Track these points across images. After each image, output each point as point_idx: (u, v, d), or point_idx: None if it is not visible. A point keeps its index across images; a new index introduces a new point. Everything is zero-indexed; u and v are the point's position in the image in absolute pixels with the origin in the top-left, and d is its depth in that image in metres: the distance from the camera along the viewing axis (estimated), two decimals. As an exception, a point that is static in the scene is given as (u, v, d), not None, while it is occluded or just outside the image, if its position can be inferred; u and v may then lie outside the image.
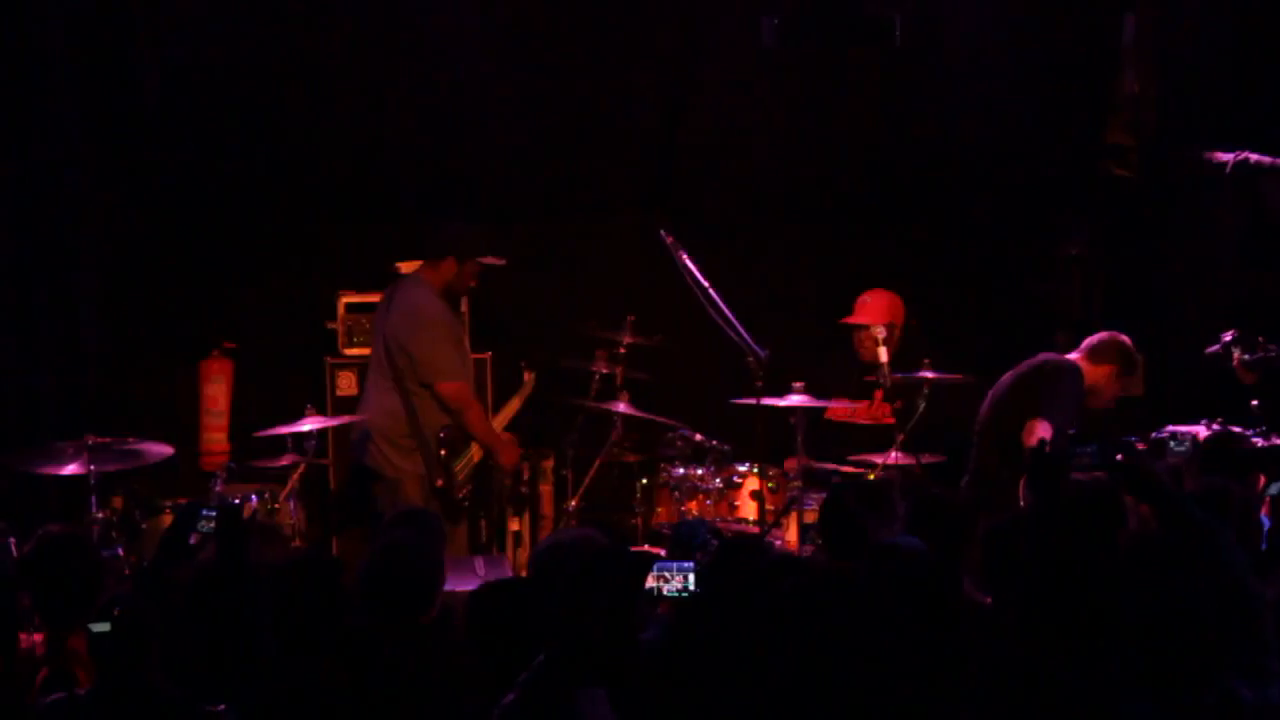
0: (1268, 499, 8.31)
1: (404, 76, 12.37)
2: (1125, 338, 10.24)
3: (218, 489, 10.32)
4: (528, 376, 11.79)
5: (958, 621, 6.16)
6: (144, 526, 10.23)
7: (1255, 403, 10.09)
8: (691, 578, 6.38)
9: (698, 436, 11.07)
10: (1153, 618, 5.60)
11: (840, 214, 12.81)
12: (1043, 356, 10.22)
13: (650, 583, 6.29)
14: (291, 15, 12.12)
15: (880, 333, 10.70)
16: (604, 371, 11.19)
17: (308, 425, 10.42)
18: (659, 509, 10.96)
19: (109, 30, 11.97)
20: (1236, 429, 9.65)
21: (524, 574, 9.34)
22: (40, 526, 7.30)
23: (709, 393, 11.14)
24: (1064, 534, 6.22)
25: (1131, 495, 6.89)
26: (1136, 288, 12.48)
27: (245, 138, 12.36)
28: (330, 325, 12.22)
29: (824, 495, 8.16)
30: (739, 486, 10.85)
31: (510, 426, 11.22)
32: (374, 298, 11.32)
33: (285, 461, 10.54)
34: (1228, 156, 11.66)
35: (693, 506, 10.79)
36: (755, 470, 10.76)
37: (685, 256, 10.24)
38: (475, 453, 10.66)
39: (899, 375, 10.63)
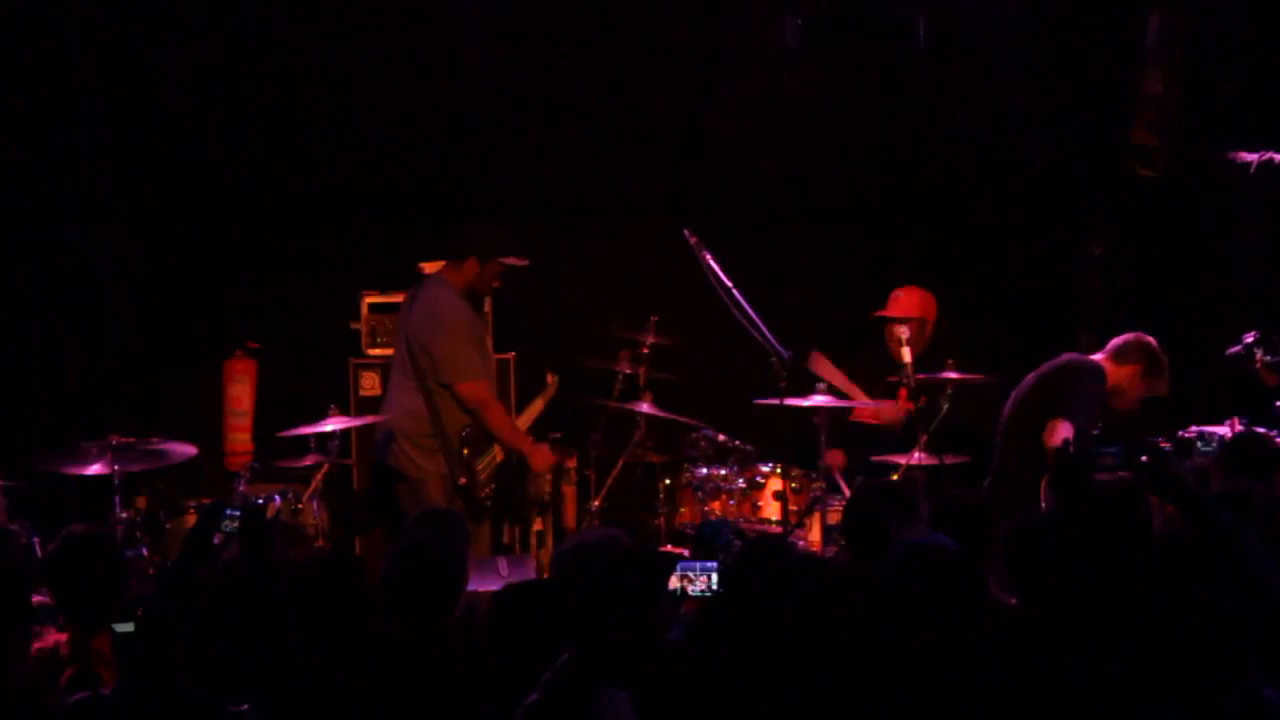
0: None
1: (428, 77, 12.37)
2: (1151, 339, 10.23)
3: (241, 489, 10.33)
4: (550, 378, 11.82)
5: (984, 621, 6.15)
6: (168, 526, 10.26)
7: (1279, 403, 10.08)
8: (715, 578, 6.38)
9: (721, 437, 11.06)
10: (1177, 618, 5.58)
11: (863, 214, 12.81)
12: (1066, 356, 10.22)
13: (674, 583, 6.29)
14: (314, 16, 12.13)
15: (904, 333, 10.70)
16: (627, 372, 11.19)
17: (331, 425, 10.43)
18: (682, 509, 10.96)
19: (131, 31, 11.99)
20: (1261, 430, 9.64)
21: (547, 574, 9.35)
22: (64, 526, 7.31)
23: (732, 393, 11.13)
24: (1089, 534, 6.22)
25: (1155, 495, 6.88)
26: (1160, 288, 12.45)
27: (269, 138, 12.38)
28: (354, 325, 12.24)
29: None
30: (762, 487, 10.84)
31: (536, 428, 11.23)
32: (397, 298, 11.35)
33: (309, 462, 10.56)
34: (1252, 157, 11.63)
35: (716, 507, 10.79)
36: (778, 471, 10.76)
37: (709, 256, 10.23)
38: (498, 452, 10.67)
39: (922, 375, 10.63)
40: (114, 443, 10.04)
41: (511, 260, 10.60)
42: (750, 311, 10.16)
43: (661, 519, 10.97)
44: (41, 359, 11.66)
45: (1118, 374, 10.14)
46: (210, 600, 6.54)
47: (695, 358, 11.42)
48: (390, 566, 6.95)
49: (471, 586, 7.22)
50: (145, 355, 12.36)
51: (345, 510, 11.40)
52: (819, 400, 10.31)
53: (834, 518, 10.02)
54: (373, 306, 12.18)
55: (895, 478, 10.20)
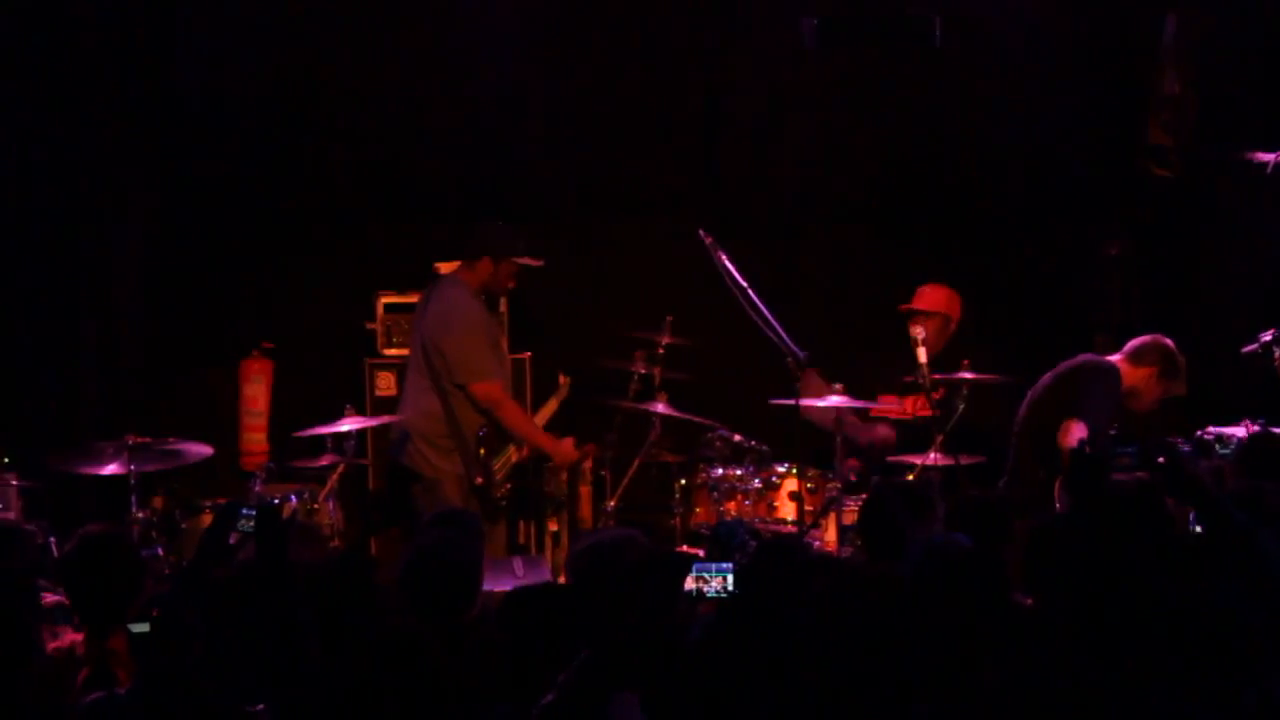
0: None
1: (443, 77, 12.38)
2: (1168, 340, 10.22)
3: (257, 489, 10.35)
4: (563, 380, 11.82)
5: (1004, 622, 6.14)
6: (184, 526, 10.28)
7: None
8: (730, 579, 6.37)
9: (736, 437, 11.06)
10: (1192, 619, 5.58)
11: (879, 215, 12.79)
12: (1082, 357, 10.22)
13: (689, 584, 6.28)
14: (330, 17, 12.14)
15: (920, 333, 10.69)
16: (642, 372, 11.18)
17: (347, 425, 10.44)
18: (697, 509, 10.95)
19: (149, 31, 12.01)
20: (1277, 430, 9.62)
21: (562, 574, 9.35)
22: (80, 526, 7.32)
23: (748, 393, 11.12)
24: (1105, 535, 6.21)
25: (1171, 496, 6.87)
26: (1176, 288, 12.44)
27: (285, 139, 12.40)
28: (369, 326, 12.25)
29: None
30: (778, 487, 10.83)
31: (550, 429, 11.22)
32: (413, 298, 11.35)
33: (324, 462, 10.57)
34: (1269, 157, 11.61)
35: (731, 507, 10.78)
36: (794, 471, 10.75)
37: (724, 257, 10.21)
38: (514, 452, 10.67)
39: (939, 375, 10.63)
40: (130, 443, 10.06)
41: (526, 260, 10.60)
42: (765, 311, 10.13)
43: (677, 519, 10.97)
44: (58, 359, 11.69)
45: (1134, 375, 10.13)
46: (226, 600, 6.54)
47: (710, 358, 11.41)
48: (407, 567, 6.95)
49: (486, 587, 7.22)
50: (161, 355, 12.38)
51: (361, 510, 11.41)
52: (835, 401, 10.31)
53: (850, 518, 10.01)
54: (388, 306, 12.18)
55: (910, 478, 10.20)
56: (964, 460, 10.37)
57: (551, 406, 11.71)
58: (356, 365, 12.21)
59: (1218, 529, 6.30)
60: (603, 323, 11.77)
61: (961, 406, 10.45)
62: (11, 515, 9.93)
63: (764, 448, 10.99)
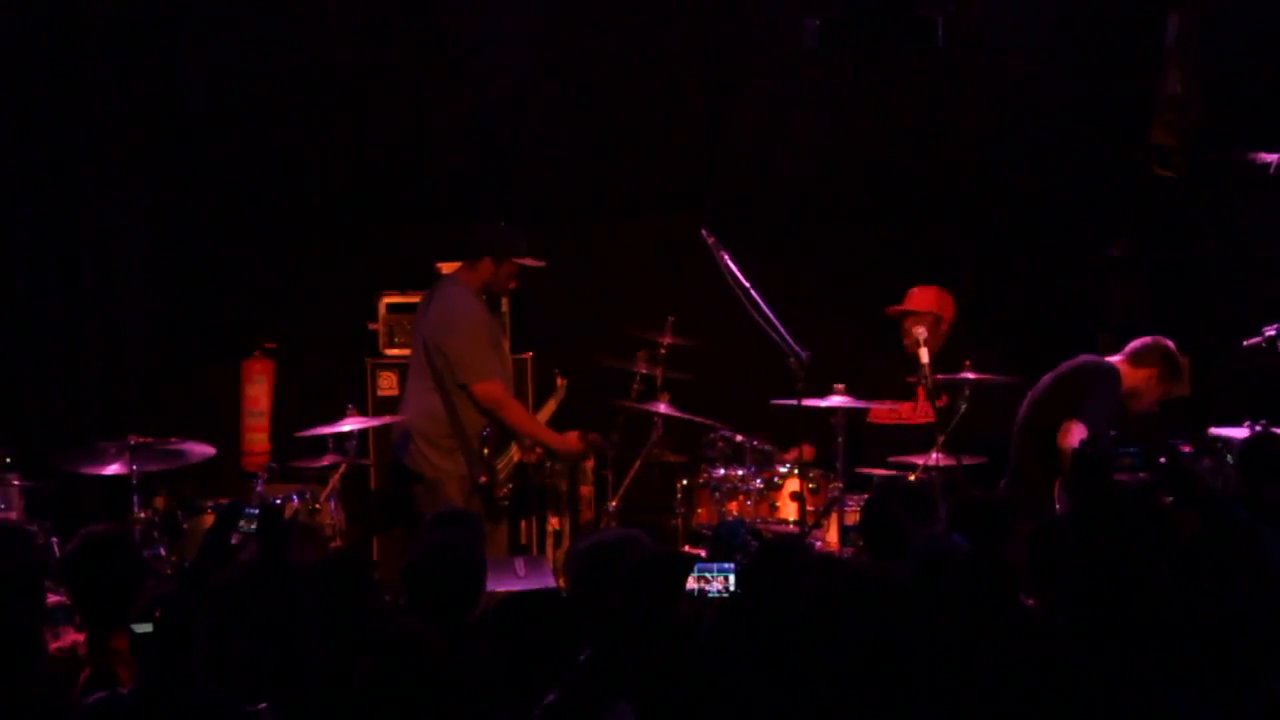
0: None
1: (445, 77, 12.39)
2: (1168, 342, 10.23)
3: (259, 489, 10.34)
4: (560, 381, 11.82)
5: (1008, 622, 6.14)
6: (186, 526, 10.27)
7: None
8: (732, 579, 6.37)
9: (738, 437, 11.06)
10: (1196, 620, 5.58)
11: (882, 215, 12.79)
12: (1082, 358, 10.23)
13: (691, 584, 6.28)
14: (332, 17, 12.14)
15: (922, 333, 10.69)
16: (644, 372, 11.18)
17: (349, 425, 10.44)
18: (699, 510, 10.95)
19: (154, 31, 12.01)
20: (1277, 430, 9.62)
21: (562, 574, 9.34)
22: (83, 526, 7.32)
23: (750, 393, 11.12)
24: (1108, 535, 6.20)
25: (1173, 496, 6.87)
26: (1179, 289, 12.44)
27: (288, 138, 12.40)
28: (371, 326, 12.25)
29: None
30: (780, 487, 10.83)
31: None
32: (415, 298, 11.36)
33: (326, 462, 10.57)
34: (1272, 157, 11.61)
35: (733, 507, 10.78)
36: (796, 471, 10.75)
37: (726, 256, 10.21)
38: (516, 452, 10.68)
39: (941, 376, 10.62)
40: (132, 443, 10.06)
41: (528, 261, 10.61)
42: (768, 311, 10.13)
43: (679, 519, 10.96)
44: (60, 359, 11.68)
45: (1134, 377, 10.13)
46: (228, 600, 6.54)
47: (712, 358, 11.40)
48: (409, 567, 6.95)
49: (488, 587, 7.22)
50: (163, 355, 12.39)
51: (363, 511, 11.41)
52: (836, 401, 10.31)
53: (852, 518, 10.00)
54: (390, 306, 12.19)
55: (912, 478, 10.20)
56: (965, 461, 10.37)
57: (550, 408, 11.71)
58: (358, 365, 12.21)
59: (1220, 529, 6.30)
60: (605, 323, 11.75)
61: (963, 407, 10.44)
62: (14, 515, 9.93)
63: (766, 448, 10.98)
